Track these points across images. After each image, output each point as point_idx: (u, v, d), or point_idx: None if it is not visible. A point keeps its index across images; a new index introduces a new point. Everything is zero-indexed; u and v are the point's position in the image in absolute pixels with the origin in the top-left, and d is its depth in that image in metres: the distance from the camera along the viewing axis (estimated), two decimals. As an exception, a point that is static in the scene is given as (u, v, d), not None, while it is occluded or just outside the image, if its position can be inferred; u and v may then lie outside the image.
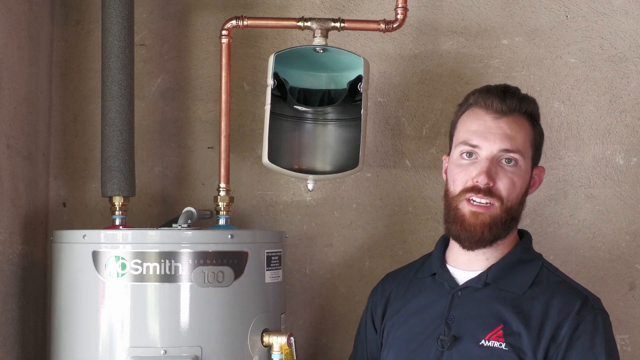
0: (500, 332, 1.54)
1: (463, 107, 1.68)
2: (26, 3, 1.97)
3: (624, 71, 2.17)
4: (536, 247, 1.76)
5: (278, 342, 1.76)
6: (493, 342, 1.54)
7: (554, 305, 1.55)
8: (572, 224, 2.16)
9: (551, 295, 1.57)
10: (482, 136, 1.59)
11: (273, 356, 1.76)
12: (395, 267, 2.16)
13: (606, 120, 2.17)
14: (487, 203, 1.57)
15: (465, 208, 1.59)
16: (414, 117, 2.19)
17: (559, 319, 1.53)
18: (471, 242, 1.60)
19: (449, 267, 1.69)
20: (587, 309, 1.55)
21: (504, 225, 1.59)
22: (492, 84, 1.70)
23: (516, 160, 1.58)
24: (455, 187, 1.61)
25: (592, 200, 2.16)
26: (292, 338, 1.76)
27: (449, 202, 1.63)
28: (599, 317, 1.55)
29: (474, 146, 1.60)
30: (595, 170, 2.16)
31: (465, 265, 1.66)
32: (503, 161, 1.58)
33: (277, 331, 1.80)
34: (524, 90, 2.14)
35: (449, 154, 1.70)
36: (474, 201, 1.58)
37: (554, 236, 2.16)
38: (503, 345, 1.53)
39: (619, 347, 2.11)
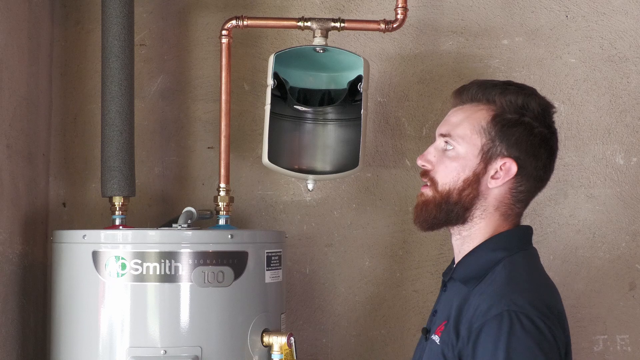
0: (443, 327, 1.56)
1: None
2: (26, 3, 1.97)
3: (624, 71, 2.17)
4: (536, 247, 1.75)
5: (278, 342, 1.76)
6: (436, 336, 1.57)
7: (474, 304, 1.53)
8: (572, 224, 2.16)
9: (481, 293, 1.55)
10: (440, 124, 1.65)
11: (273, 356, 1.76)
12: (395, 267, 2.18)
13: (606, 120, 2.17)
14: (425, 184, 1.63)
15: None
16: (414, 117, 2.19)
17: (472, 317, 1.51)
18: (416, 222, 1.64)
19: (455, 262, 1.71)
20: (497, 308, 1.48)
21: (440, 208, 1.61)
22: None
23: (453, 146, 1.61)
24: None
25: (592, 200, 2.16)
26: (292, 338, 1.76)
27: None
28: (505, 318, 1.46)
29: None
30: (595, 170, 2.16)
31: (456, 259, 1.69)
32: (447, 147, 1.62)
33: (277, 331, 1.80)
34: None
35: None
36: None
37: (554, 236, 2.16)
38: (438, 340, 1.55)
39: (618, 347, 2.12)
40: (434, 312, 1.65)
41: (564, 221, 2.16)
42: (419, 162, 1.63)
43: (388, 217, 2.18)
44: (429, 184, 1.62)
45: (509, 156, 1.60)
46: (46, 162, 2.13)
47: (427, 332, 1.62)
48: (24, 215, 1.95)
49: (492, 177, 1.60)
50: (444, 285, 1.67)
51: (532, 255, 1.66)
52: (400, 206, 2.18)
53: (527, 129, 1.60)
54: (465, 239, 1.63)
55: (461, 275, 1.61)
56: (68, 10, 2.18)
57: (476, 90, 1.62)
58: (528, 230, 1.70)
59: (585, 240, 2.16)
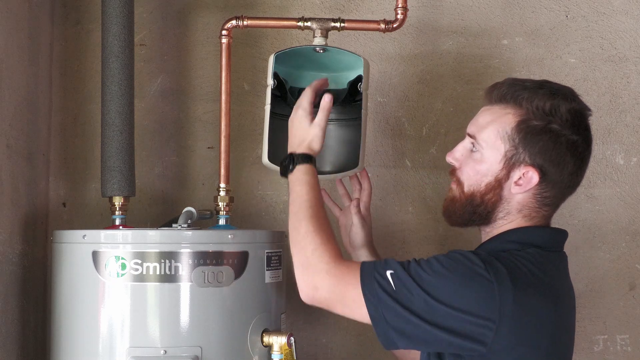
0: None
1: None
2: (26, 3, 1.97)
3: (624, 71, 2.17)
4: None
5: (278, 342, 1.76)
6: None
7: None
8: (572, 224, 2.16)
9: None
10: (470, 123, 1.65)
11: (273, 356, 1.76)
12: (395, 267, 2.16)
13: (606, 120, 2.17)
14: (453, 181, 1.65)
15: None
16: (414, 117, 2.19)
17: None
18: (443, 215, 1.67)
19: None
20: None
21: (464, 208, 1.62)
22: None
23: (478, 148, 1.60)
24: None
25: (592, 200, 2.16)
26: (292, 338, 1.76)
27: None
28: (461, 250, 1.53)
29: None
30: (595, 170, 2.16)
31: None
32: (473, 148, 1.62)
33: (277, 331, 1.80)
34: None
35: None
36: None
37: (554, 236, 2.15)
38: None
39: (618, 347, 2.12)
40: None
41: (563, 221, 2.16)
42: (448, 159, 1.64)
43: (388, 217, 2.18)
44: (456, 183, 1.63)
45: (532, 164, 1.56)
46: (46, 162, 2.13)
47: None
48: (24, 215, 1.95)
49: (516, 184, 1.58)
50: None
51: (550, 257, 1.60)
52: (400, 206, 2.18)
53: (553, 137, 1.56)
54: (489, 235, 1.65)
55: None
56: (68, 10, 2.18)
57: (506, 91, 1.59)
58: (556, 233, 1.67)
59: (585, 240, 2.16)
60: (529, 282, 1.50)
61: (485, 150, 1.59)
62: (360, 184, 1.98)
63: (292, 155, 1.71)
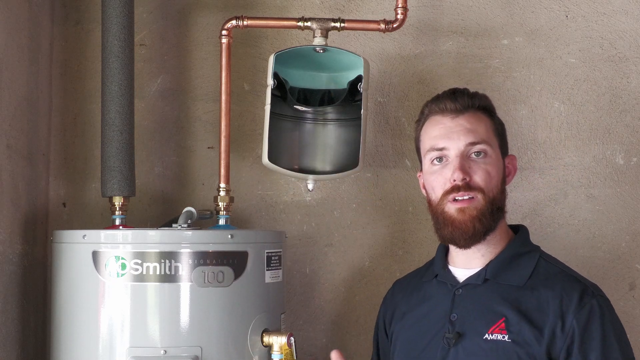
0: (503, 324, 1.57)
1: (421, 121, 1.73)
2: (26, 3, 1.97)
3: (624, 71, 2.17)
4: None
5: (278, 342, 1.76)
6: (497, 335, 1.56)
7: (554, 296, 1.57)
8: (572, 224, 2.16)
9: (550, 286, 1.59)
10: (446, 137, 1.63)
11: (273, 356, 1.76)
12: (395, 267, 2.17)
13: (606, 120, 2.17)
14: (469, 197, 1.60)
15: (451, 208, 1.61)
16: (414, 117, 2.18)
17: (561, 309, 1.55)
18: (466, 239, 1.62)
19: (450, 267, 1.71)
20: (588, 297, 1.57)
21: (492, 215, 1.62)
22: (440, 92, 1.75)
23: (485, 151, 1.63)
24: (436, 193, 1.64)
25: (592, 200, 2.16)
26: (292, 338, 1.77)
27: (435, 210, 1.65)
28: (601, 303, 1.57)
29: (441, 149, 1.63)
30: (595, 170, 2.16)
31: (464, 263, 1.68)
32: (473, 155, 1.62)
33: (277, 331, 1.80)
34: (524, 90, 2.16)
35: (422, 170, 1.73)
36: (457, 200, 1.61)
37: (554, 236, 2.16)
38: (506, 338, 1.55)
39: (619, 347, 2.12)
40: (454, 316, 1.63)
41: (564, 221, 2.16)
42: (459, 176, 1.59)
43: (388, 217, 2.18)
44: (477, 195, 1.60)
45: (507, 153, 1.71)
46: (46, 162, 2.13)
47: (458, 335, 1.59)
48: (24, 215, 1.95)
49: (506, 175, 1.68)
50: (457, 288, 1.66)
51: None
52: (400, 206, 2.18)
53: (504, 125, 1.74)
54: (491, 242, 1.65)
55: (506, 277, 1.62)
56: (68, 10, 2.18)
57: (467, 99, 1.67)
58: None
59: (585, 240, 2.16)
60: None
61: (493, 151, 1.65)
62: None
63: None
